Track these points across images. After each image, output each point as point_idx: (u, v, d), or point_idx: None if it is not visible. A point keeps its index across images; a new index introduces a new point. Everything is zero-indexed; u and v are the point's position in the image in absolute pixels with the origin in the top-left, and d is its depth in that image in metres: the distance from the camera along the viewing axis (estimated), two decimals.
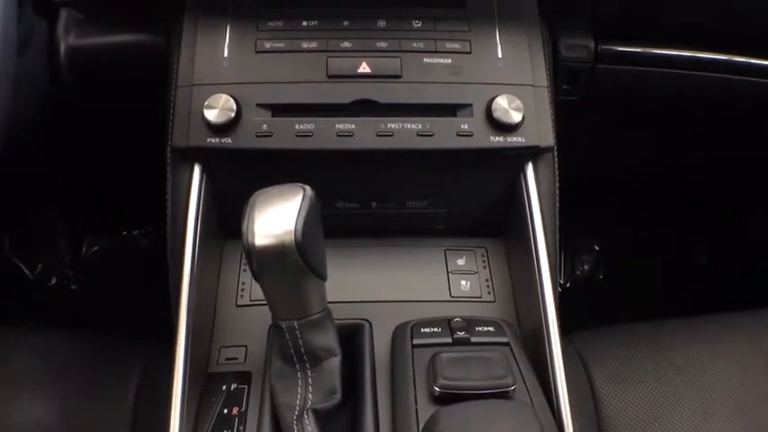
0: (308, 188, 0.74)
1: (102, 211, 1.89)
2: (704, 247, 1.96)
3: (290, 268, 0.72)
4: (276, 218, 0.71)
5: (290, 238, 0.70)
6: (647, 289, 1.86)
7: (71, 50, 1.08)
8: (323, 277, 0.78)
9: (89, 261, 1.89)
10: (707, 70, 1.18)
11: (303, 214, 0.71)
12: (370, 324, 0.96)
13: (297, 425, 0.78)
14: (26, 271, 1.83)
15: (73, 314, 1.77)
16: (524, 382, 0.85)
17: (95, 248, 1.90)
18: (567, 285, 1.91)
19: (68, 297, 1.84)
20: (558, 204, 1.01)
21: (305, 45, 0.96)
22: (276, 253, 0.70)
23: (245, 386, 0.91)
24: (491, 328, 0.90)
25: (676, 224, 1.94)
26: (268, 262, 0.72)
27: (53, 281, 1.84)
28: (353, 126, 0.93)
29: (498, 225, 1.05)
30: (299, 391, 0.82)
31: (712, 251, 1.94)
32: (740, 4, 1.09)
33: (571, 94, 1.15)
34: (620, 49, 1.15)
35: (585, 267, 1.94)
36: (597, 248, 1.96)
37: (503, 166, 0.99)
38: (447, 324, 0.90)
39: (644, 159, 1.64)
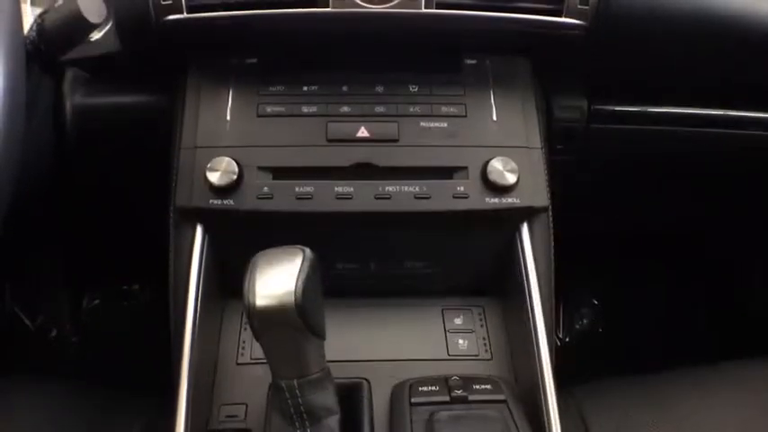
0: (307, 250, 0.75)
1: (103, 265, 1.89)
2: (704, 299, 1.95)
3: (290, 328, 0.73)
4: (277, 279, 0.72)
5: (291, 299, 0.71)
6: (647, 342, 1.86)
7: (76, 109, 1.11)
8: (322, 337, 0.79)
9: (89, 314, 1.89)
10: (701, 126, 1.20)
11: (303, 276, 0.72)
12: (369, 383, 0.96)
13: None
14: (27, 322, 1.83)
15: (73, 366, 1.76)
16: None
17: (96, 302, 1.90)
18: (567, 340, 1.91)
19: (69, 349, 1.83)
20: (553, 263, 1.02)
21: (305, 110, 0.99)
22: (276, 313, 0.71)
23: None
24: (488, 386, 0.91)
25: (676, 277, 1.94)
26: (268, 322, 0.73)
27: (53, 332, 1.84)
28: (352, 189, 0.95)
29: (495, 284, 1.06)
30: None
31: (712, 303, 1.94)
32: (734, 60, 1.11)
33: (566, 153, 1.17)
34: (614, 108, 1.17)
35: (585, 321, 1.93)
36: (596, 302, 1.96)
37: (498, 226, 1.00)
38: (445, 382, 0.91)
39: (643, 215, 1.65)
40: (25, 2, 1.14)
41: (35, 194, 1.16)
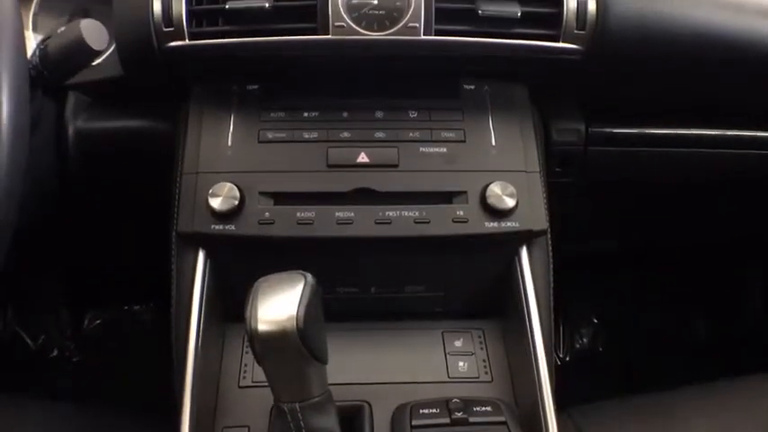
0: (309, 275, 0.76)
1: (104, 286, 1.90)
2: (703, 317, 1.96)
3: (291, 353, 0.73)
4: (278, 305, 0.72)
5: (292, 324, 0.71)
6: (647, 361, 1.86)
7: (79, 133, 1.12)
8: (324, 361, 0.79)
9: (90, 334, 1.89)
10: (700, 146, 1.21)
11: (305, 301, 0.73)
12: (370, 406, 0.97)
13: None
14: (28, 341, 1.84)
15: (74, 386, 1.77)
16: None
17: (97, 322, 1.91)
18: (567, 359, 1.91)
19: (70, 369, 1.84)
20: (552, 285, 1.03)
21: (306, 135, 1.00)
22: (278, 338, 0.72)
23: None
24: (488, 408, 0.91)
25: (675, 295, 1.94)
26: (270, 347, 0.73)
27: (54, 352, 1.85)
28: (353, 214, 0.96)
29: (495, 307, 1.07)
30: None
31: (712, 321, 1.94)
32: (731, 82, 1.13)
33: (564, 176, 1.18)
34: (612, 130, 1.18)
35: (585, 340, 1.94)
36: (596, 321, 1.96)
37: (498, 250, 1.01)
38: (445, 405, 0.91)
39: (642, 235, 1.65)
40: (27, 28, 1.15)
41: (38, 216, 1.17)
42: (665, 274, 1.90)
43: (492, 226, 0.97)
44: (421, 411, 0.91)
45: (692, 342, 1.93)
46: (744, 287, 1.88)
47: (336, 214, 0.96)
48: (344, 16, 0.97)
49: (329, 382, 0.83)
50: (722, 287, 1.91)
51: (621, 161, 1.21)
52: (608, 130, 1.18)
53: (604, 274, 1.86)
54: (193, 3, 1.00)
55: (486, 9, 0.99)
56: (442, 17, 0.99)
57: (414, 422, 0.89)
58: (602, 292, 1.95)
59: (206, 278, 0.98)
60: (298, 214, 0.96)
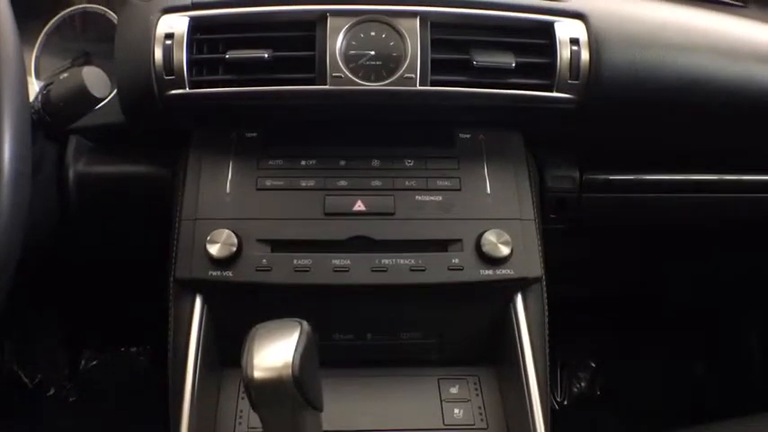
0: (305, 323, 0.76)
1: (101, 326, 1.90)
2: (702, 359, 1.95)
3: (287, 401, 0.74)
4: (274, 352, 0.73)
5: (288, 372, 0.71)
6: (646, 404, 1.85)
7: (79, 177, 1.13)
8: (319, 408, 0.79)
9: (87, 374, 1.89)
10: (696, 191, 1.22)
11: (300, 349, 0.73)
12: None
13: None
14: (25, 379, 1.83)
15: (70, 426, 1.76)
16: None
17: (94, 362, 1.90)
18: (564, 402, 1.90)
19: (66, 408, 1.83)
20: (547, 332, 1.03)
21: (303, 183, 1.02)
22: (274, 386, 0.72)
23: None
24: None
25: (674, 338, 1.94)
26: (266, 394, 0.73)
27: (51, 391, 1.84)
28: (349, 262, 0.97)
29: (490, 353, 1.07)
30: None
31: (710, 364, 1.94)
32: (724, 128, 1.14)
33: (559, 222, 1.19)
34: (606, 177, 1.19)
35: (582, 384, 1.92)
36: (594, 365, 1.95)
37: (493, 297, 1.02)
38: None
39: (640, 279, 1.66)
40: (30, 71, 1.17)
41: (36, 258, 1.17)
42: (663, 317, 1.90)
43: (487, 274, 0.97)
44: None
45: (691, 385, 1.92)
46: (742, 329, 1.88)
47: (333, 262, 0.97)
48: (342, 67, 0.99)
49: (324, 428, 0.83)
50: (720, 329, 1.91)
51: (616, 207, 1.22)
52: (602, 176, 1.19)
53: (602, 317, 1.86)
54: (194, 52, 1.02)
55: (481, 60, 1.01)
56: (438, 68, 1.02)
57: None
58: (600, 336, 1.95)
59: (203, 324, 0.98)
60: (295, 261, 0.96)
